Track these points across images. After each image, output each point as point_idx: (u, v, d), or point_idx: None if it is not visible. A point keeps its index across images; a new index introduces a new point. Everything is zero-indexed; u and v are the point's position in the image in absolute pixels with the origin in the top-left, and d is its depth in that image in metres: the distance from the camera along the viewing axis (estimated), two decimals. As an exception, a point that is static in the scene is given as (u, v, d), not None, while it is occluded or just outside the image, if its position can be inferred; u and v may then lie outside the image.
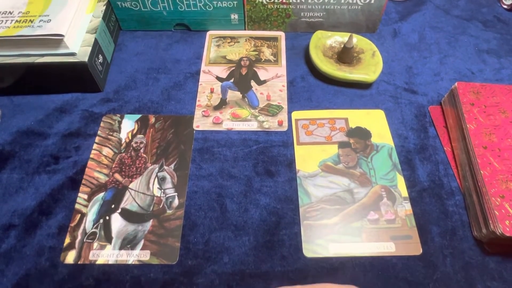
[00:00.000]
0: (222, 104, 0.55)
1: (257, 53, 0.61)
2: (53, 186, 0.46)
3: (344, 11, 0.60)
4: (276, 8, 0.60)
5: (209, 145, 0.50)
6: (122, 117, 0.53)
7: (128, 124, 0.52)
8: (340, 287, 0.35)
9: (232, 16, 0.62)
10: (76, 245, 0.42)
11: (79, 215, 0.44)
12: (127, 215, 0.44)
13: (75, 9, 0.52)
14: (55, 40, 0.49)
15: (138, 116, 0.53)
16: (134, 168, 0.48)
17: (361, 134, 0.51)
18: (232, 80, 0.57)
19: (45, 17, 0.50)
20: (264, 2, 0.59)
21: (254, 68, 0.59)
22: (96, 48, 0.54)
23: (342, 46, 0.58)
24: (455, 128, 0.49)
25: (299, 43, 0.63)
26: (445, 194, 0.46)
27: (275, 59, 0.60)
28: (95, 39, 0.53)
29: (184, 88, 0.57)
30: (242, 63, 0.59)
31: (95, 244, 0.42)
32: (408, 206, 0.45)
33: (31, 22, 0.49)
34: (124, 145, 0.50)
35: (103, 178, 0.47)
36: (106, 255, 0.41)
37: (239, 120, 0.53)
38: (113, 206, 0.45)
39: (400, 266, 0.41)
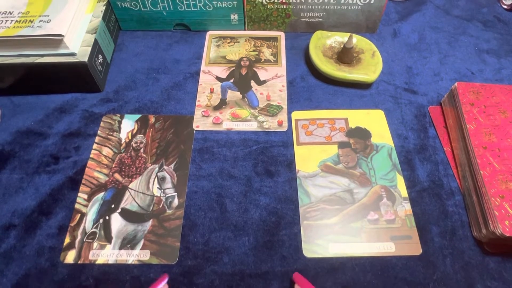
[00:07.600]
0: (222, 104, 0.55)
1: (257, 53, 0.61)
2: (53, 186, 0.46)
3: (344, 11, 0.60)
4: (276, 8, 0.60)
5: (209, 145, 0.50)
6: (122, 117, 0.53)
7: (128, 124, 0.52)
8: None
9: (232, 16, 0.62)
10: (76, 245, 0.42)
11: (79, 215, 0.44)
12: (127, 215, 0.44)
13: (75, 9, 0.52)
14: (55, 40, 0.49)
15: (138, 116, 0.53)
16: (134, 168, 0.48)
17: (361, 134, 0.51)
18: (232, 80, 0.57)
19: (45, 17, 0.50)
20: (264, 2, 0.59)
21: (254, 68, 0.59)
22: (96, 48, 0.54)
23: (342, 46, 0.58)
24: (455, 128, 0.49)
25: (299, 43, 0.63)
26: (445, 194, 0.46)
27: (275, 59, 0.60)
28: (95, 39, 0.53)
29: (184, 88, 0.57)
30: (242, 63, 0.59)
31: (95, 244, 0.42)
32: (408, 206, 0.45)
33: (31, 22, 0.49)
34: (124, 145, 0.50)
35: (103, 178, 0.47)
36: (106, 255, 0.41)
37: (239, 120, 0.53)
38: (113, 206, 0.45)
39: (400, 266, 0.41)
